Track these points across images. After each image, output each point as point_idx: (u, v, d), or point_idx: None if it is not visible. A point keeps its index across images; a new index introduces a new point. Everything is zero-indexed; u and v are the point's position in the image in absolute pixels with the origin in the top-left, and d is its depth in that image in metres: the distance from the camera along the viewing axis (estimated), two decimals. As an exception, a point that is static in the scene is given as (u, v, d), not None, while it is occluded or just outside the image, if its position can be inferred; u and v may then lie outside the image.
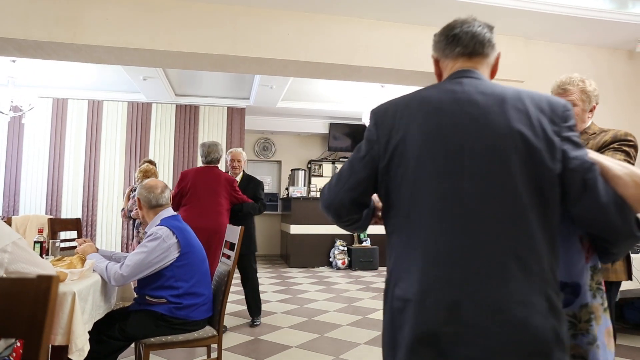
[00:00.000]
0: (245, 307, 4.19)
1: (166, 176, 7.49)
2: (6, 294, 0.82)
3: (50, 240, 2.64)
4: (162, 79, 6.43)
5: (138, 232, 4.35)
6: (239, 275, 4.22)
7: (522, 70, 4.24)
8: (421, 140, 1.06)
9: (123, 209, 4.57)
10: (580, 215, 1.06)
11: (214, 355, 2.86)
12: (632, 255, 3.10)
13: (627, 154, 1.81)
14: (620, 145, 1.84)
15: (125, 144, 7.46)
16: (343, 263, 7.48)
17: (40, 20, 3.53)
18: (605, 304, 1.21)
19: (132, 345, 2.59)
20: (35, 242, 2.47)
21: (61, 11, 3.57)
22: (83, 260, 2.22)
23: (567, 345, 1.00)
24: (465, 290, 0.97)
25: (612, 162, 1.09)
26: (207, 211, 3.73)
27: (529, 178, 1.01)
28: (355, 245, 7.66)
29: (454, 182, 1.03)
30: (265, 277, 6.51)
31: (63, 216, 7.10)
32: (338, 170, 1.22)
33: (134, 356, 2.81)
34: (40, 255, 2.43)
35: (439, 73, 1.24)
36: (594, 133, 1.95)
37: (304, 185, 8.67)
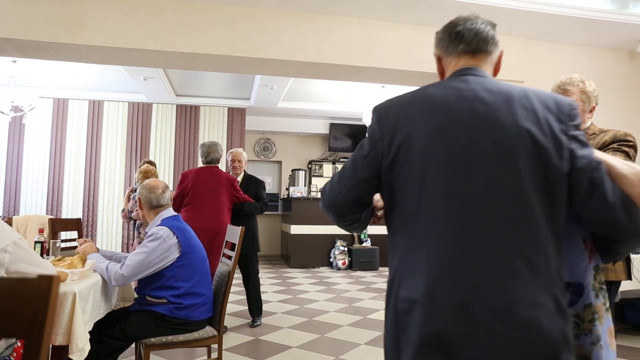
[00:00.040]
0: (246, 308, 4.19)
1: (166, 176, 7.49)
2: (7, 293, 0.82)
3: (51, 240, 2.64)
4: (162, 79, 6.43)
5: (139, 233, 4.35)
6: (240, 275, 4.22)
7: (522, 71, 4.24)
8: (428, 138, 1.05)
9: (123, 210, 4.57)
10: (587, 215, 1.06)
11: (214, 355, 2.86)
12: (632, 256, 3.11)
13: (627, 154, 1.82)
14: (619, 145, 1.84)
15: (126, 144, 7.46)
16: (343, 263, 7.48)
17: (40, 21, 3.53)
18: (608, 304, 1.21)
19: (133, 345, 2.59)
20: (35, 242, 2.47)
21: (62, 11, 3.58)
22: (84, 261, 2.22)
23: (573, 345, 1.00)
24: (474, 291, 0.96)
25: (618, 161, 1.09)
26: (209, 211, 3.73)
27: (536, 177, 1.00)
28: (356, 245, 7.66)
29: (461, 181, 1.01)
30: (266, 278, 6.51)
31: (64, 216, 7.10)
32: (340, 168, 1.19)
33: (134, 356, 2.81)
34: (41, 255, 2.43)
35: (441, 71, 1.23)
36: (594, 133, 1.95)
37: (305, 186, 8.68)
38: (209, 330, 2.39)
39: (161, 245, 2.23)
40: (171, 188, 3.22)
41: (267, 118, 8.90)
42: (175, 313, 2.26)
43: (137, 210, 3.55)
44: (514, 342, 0.93)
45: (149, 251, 2.21)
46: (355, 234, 7.62)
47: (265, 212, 4.71)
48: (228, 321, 4.06)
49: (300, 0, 3.78)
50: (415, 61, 4.11)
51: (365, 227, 1.28)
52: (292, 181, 8.88)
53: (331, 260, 7.62)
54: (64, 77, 6.63)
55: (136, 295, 2.44)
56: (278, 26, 3.92)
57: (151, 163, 4.70)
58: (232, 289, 4.93)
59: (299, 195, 7.89)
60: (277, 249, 9.09)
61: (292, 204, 7.71)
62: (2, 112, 5.81)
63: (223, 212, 3.80)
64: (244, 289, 4.18)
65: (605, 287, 1.23)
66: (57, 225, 3.82)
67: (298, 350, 3.36)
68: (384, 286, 6.06)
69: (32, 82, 6.72)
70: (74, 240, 3.54)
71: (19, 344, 1.71)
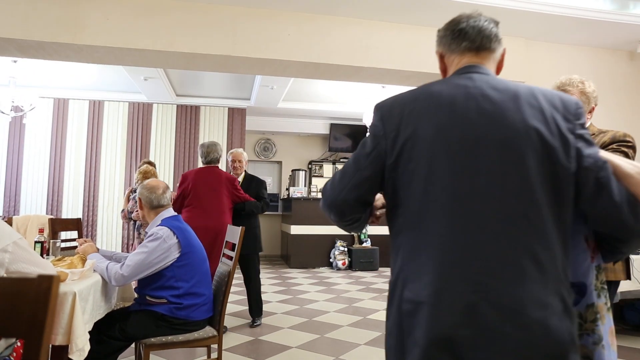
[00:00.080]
0: (246, 308, 4.19)
1: (167, 176, 7.49)
2: (7, 293, 0.82)
3: (51, 240, 2.64)
4: (162, 79, 6.43)
5: (139, 233, 4.35)
6: (240, 275, 4.21)
7: (522, 71, 4.24)
8: (434, 136, 1.02)
9: (123, 210, 4.57)
10: (593, 214, 1.05)
11: (214, 355, 2.86)
12: (632, 257, 3.11)
13: (626, 154, 1.82)
14: (618, 146, 1.85)
15: (126, 144, 7.47)
16: (343, 264, 7.48)
17: (41, 21, 3.54)
18: (609, 304, 1.21)
19: (133, 345, 2.59)
20: (35, 242, 2.47)
21: (62, 12, 3.58)
22: (84, 260, 2.22)
23: (578, 345, 0.99)
24: (481, 292, 0.94)
25: (623, 161, 1.09)
26: (210, 211, 3.73)
27: (544, 176, 0.99)
28: (356, 245, 7.66)
29: (468, 180, 0.99)
30: (266, 278, 6.51)
31: (64, 216, 7.11)
32: (341, 167, 1.16)
33: (134, 356, 2.81)
34: (41, 255, 2.43)
35: (443, 68, 1.21)
36: (593, 134, 1.95)
37: (305, 186, 8.68)
38: (208, 331, 2.39)
39: (161, 245, 2.23)
40: (171, 188, 3.21)
41: (267, 118, 8.91)
42: (175, 313, 2.26)
43: (137, 211, 3.54)
44: (522, 343, 0.92)
45: (149, 251, 2.21)
46: (355, 235, 7.62)
47: (266, 212, 4.70)
48: (228, 321, 4.06)
49: (300, 1, 3.79)
50: (415, 61, 4.11)
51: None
52: (292, 181, 8.89)
53: (331, 260, 7.62)
54: (64, 77, 6.64)
55: (136, 295, 2.44)
56: (278, 26, 3.93)
57: (150, 163, 4.71)
58: (232, 289, 4.93)
59: (299, 195, 7.89)
60: (277, 249, 9.09)
61: (292, 204, 7.71)
62: (2, 112, 5.81)
63: (224, 212, 3.80)
64: (243, 289, 4.19)
65: (606, 287, 1.23)
66: (57, 225, 3.82)
67: (298, 350, 3.36)
68: (384, 286, 6.08)
69: (33, 82, 6.72)
70: (74, 240, 3.55)
71: (18, 343, 1.71)
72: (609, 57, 4.62)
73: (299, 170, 8.88)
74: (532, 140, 1.00)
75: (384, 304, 4.87)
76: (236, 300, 4.99)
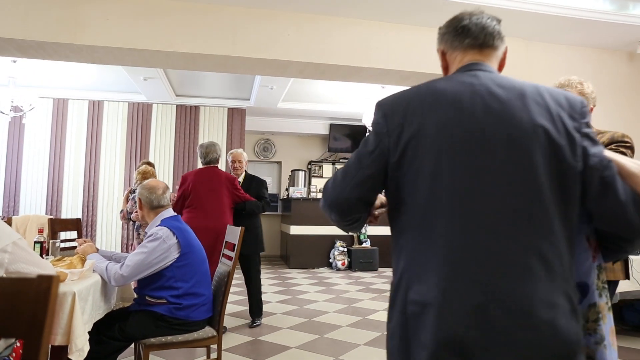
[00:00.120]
0: (245, 308, 4.19)
1: (166, 177, 7.49)
2: (6, 293, 0.82)
3: (51, 241, 2.64)
4: (162, 79, 6.43)
5: (139, 234, 4.35)
6: (239, 275, 4.21)
7: (521, 72, 4.24)
8: (439, 134, 1.01)
9: (122, 211, 4.57)
10: (598, 213, 1.04)
11: (213, 355, 2.86)
12: (631, 257, 3.11)
13: (624, 155, 1.83)
14: (617, 146, 1.86)
15: (126, 145, 7.46)
16: (343, 264, 7.48)
17: (41, 21, 3.54)
18: (610, 303, 1.21)
19: (132, 345, 2.59)
20: (35, 242, 2.47)
21: (62, 12, 3.58)
22: (83, 261, 2.22)
23: (584, 346, 0.99)
24: (490, 292, 0.92)
25: (627, 160, 1.09)
26: (211, 211, 3.73)
27: (551, 175, 0.98)
28: (355, 246, 7.66)
29: (475, 178, 0.98)
30: (265, 278, 6.50)
31: (63, 216, 7.10)
32: (342, 166, 1.14)
33: (133, 356, 2.81)
34: (41, 255, 2.43)
35: (445, 66, 1.20)
36: None
37: (304, 186, 8.68)
38: (208, 331, 2.39)
39: (161, 245, 2.23)
40: (170, 188, 3.21)
41: (267, 118, 8.91)
42: (175, 313, 2.26)
43: (136, 211, 3.54)
44: (531, 344, 0.90)
45: (148, 251, 2.21)
46: (354, 235, 7.62)
47: (265, 213, 4.70)
48: (227, 321, 4.06)
49: (300, 1, 3.79)
50: (414, 62, 4.12)
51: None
52: (292, 182, 8.89)
53: (331, 260, 7.62)
54: (64, 77, 6.64)
55: (135, 296, 2.44)
56: (278, 27, 3.93)
57: (149, 164, 4.71)
58: (232, 289, 4.93)
59: (298, 195, 7.89)
60: (276, 249, 9.09)
61: (292, 205, 7.71)
62: (2, 112, 5.81)
63: (225, 212, 3.79)
64: (243, 289, 4.18)
65: (607, 287, 1.24)
66: (57, 225, 3.82)
67: (297, 350, 3.36)
68: (384, 287, 6.08)
69: (32, 82, 6.72)
70: (73, 240, 3.55)
71: (18, 344, 1.71)
72: (609, 58, 4.62)
73: (298, 170, 8.88)
74: (539, 139, 0.99)
75: (384, 305, 4.88)
76: (236, 300, 4.99)
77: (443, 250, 0.97)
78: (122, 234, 7.32)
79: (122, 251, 7.18)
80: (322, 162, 9.64)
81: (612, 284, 2.08)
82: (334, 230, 7.29)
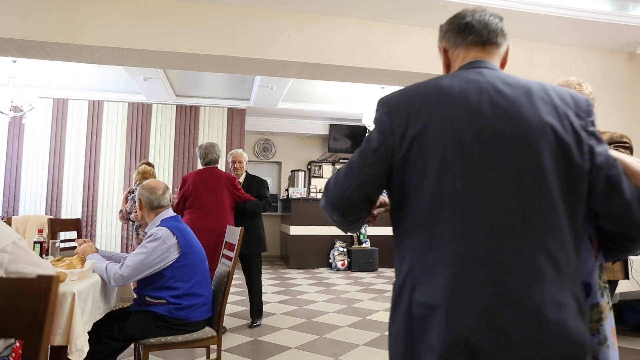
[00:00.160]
0: (245, 308, 4.18)
1: (166, 177, 7.49)
2: (6, 294, 0.82)
3: (50, 241, 2.64)
4: (162, 79, 6.43)
5: (138, 234, 4.35)
6: (239, 275, 4.21)
7: (521, 72, 4.20)
8: (446, 132, 0.98)
9: (121, 211, 4.57)
10: (604, 212, 1.03)
11: (213, 356, 2.86)
12: (631, 257, 3.11)
13: None
14: (616, 147, 1.87)
15: (126, 145, 7.47)
16: (343, 264, 7.48)
17: (41, 21, 3.54)
18: (610, 303, 1.21)
19: (132, 345, 2.59)
20: (35, 243, 2.47)
21: (62, 12, 3.58)
22: (83, 261, 2.22)
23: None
24: (499, 293, 0.90)
25: (631, 159, 1.09)
26: (212, 212, 3.73)
27: (559, 173, 0.97)
28: (355, 246, 7.66)
29: (484, 176, 0.96)
30: (265, 278, 6.50)
31: (63, 216, 7.10)
32: (344, 165, 1.11)
33: (133, 357, 2.81)
34: (40, 255, 2.43)
35: (447, 63, 1.19)
36: None
37: (304, 187, 8.68)
38: (208, 331, 2.39)
39: (161, 245, 2.23)
40: (170, 188, 3.21)
41: (266, 119, 8.91)
42: (175, 313, 2.26)
43: (135, 211, 3.54)
44: (542, 346, 0.89)
45: (148, 252, 2.21)
46: (354, 235, 7.62)
47: (265, 213, 4.70)
48: (227, 322, 4.06)
49: (300, 1, 3.79)
50: (414, 62, 4.12)
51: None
52: (292, 182, 8.89)
53: (330, 261, 7.62)
54: (63, 77, 6.64)
55: (135, 296, 2.44)
56: (278, 27, 3.93)
57: (149, 164, 4.71)
58: (232, 289, 4.93)
59: (298, 196, 7.89)
60: (276, 249, 9.09)
61: (292, 205, 7.71)
62: (1, 112, 5.81)
63: (226, 213, 3.79)
64: (243, 289, 4.18)
65: (608, 286, 1.24)
66: (57, 225, 3.82)
67: (297, 351, 3.36)
68: (383, 287, 6.08)
69: (32, 82, 6.72)
70: (73, 240, 3.54)
71: (17, 344, 1.71)
72: (608, 59, 4.62)
73: (298, 170, 8.88)
74: (548, 137, 0.97)
75: (383, 305, 4.88)
76: (236, 300, 4.99)
77: (450, 250, 0.95)
78: (122, 234, 7.32)
79: (121, 251, 7.18)
80: (321, 162, 9.64)
81: (612, 284, 2.09)
82: (333, 230, 7.29)
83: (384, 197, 1.19)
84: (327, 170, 9.59)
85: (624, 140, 1.90)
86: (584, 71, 4.43)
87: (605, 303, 1.19)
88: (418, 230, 1.00)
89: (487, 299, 0.90)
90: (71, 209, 7.23)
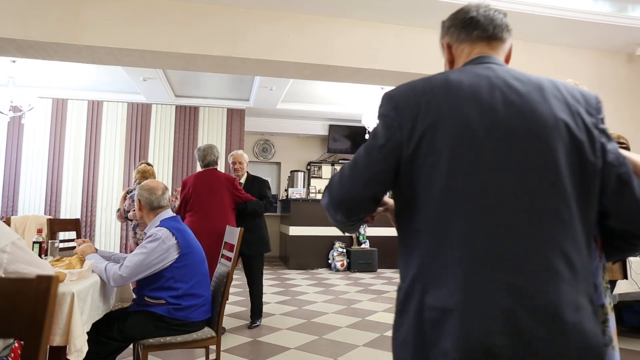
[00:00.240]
0: (244, 309, 4.18)
1: (165, 177, 7.49)
2: (6, 294, 0.82)
3: (49, 241, 2.64)
4: (162, 79, 6.43)
5: (135, 233, 4.34)
6: (238, 276, 4.20)
7: (521, 73, 4.25)
8: (457, 128, 0.95)
9: (119, 210, 4.56)
10: (615, 211, 1.02)
11: (212, 356, 2.85)
12: (631, 258, 3.11)
13: None
14: None
15: (125, 145, 7.46)
16: (342, 265, 7.48)
17: (41, 21, 3.54)
18: (612, 304, 1.21)
19: (131, 346, 2.58)
20: (34, 243, 2.47)
21: (62, 12, 3.58)
22: (82, 261, 2.22)
23: None
24: (516, 295, 0.87)
25: (638, 157, 1.09)
26: (213, 213, 3.72)
27: (573, 171, 0.95)
28: (354, 247, 7.66)
29: (498, 174, 0.93)
30: (264, 279, 6.47)
31: (62, 216, 7.10)
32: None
33: (132, 357, 2.81)
34: (39, 255, 2.43)
35: (451, 59, 1.16)
36: None
37: (303, 187, 8.68)
38: (207, 331, 2.39)
39: (160, 246, 2.23)
40: (170, 189, 3.22)
41: (266, 119, 8.91)
42: (174, 314, 2.26)
43: (134, 210, 3.54)
44: (560, 348, 0.86)
45: (148, 252, 2.21)
46: (354, 236, 7.62)
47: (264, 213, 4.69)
48: (226, 322, 4.05)
49: (300, 2, 3.79)
50: (414, 63, 4.12)
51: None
52: (291, 182, 8.89)
53: (330, 261, 7.62)
54: (63, 77, 6.63)
55: (134, 296, 2.44)
56: (278, 28, 3.93)
57: (148, 164, 4.70)
58: (231, 290, 4.93)
59: (297, 196, 7.89)
60: (275, 250, 9.08)
61: (291, 205, 7.71)
62: (1, 112, 5.80)
63: (227, 213, 3.78)
64: (242, 290, 4.18)
65: (609, 287, 1.23)
66: (56, 225, 3.82)
67: (296, 351, 3.35)
68: (383, 288, 6.08)
69: (32, 82, 6.72)
70: (72, 240, 3.54)
71: (16, 344, 1.71)
72: (607, 60, 4.63)
73: (297, 171, 8.88)
74: (562, 134, 0.95)
75: (383, 306, 4.88)
76: (235, 301, 4.99)
77: (463, 251, 0.91)
78: (121, 234, 7.31)
79: (120, 252, 7.17)
80: (321, 163, 9.64)
81: (611, 285, 2.10)
82: (333, 231, 7.29)
83: (385, 197, 1.17)
84: (327, 171, 9.59)
85: (621, 141, 1.91)
86: (582, 72, 4.44)
87: (608, 304, 1.19)
88: (427, 230, 0.96)
89: (503, 302, 0.87)
90: (70, 209, 7.23)
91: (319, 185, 8.99)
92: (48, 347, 1.82)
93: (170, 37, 3.75)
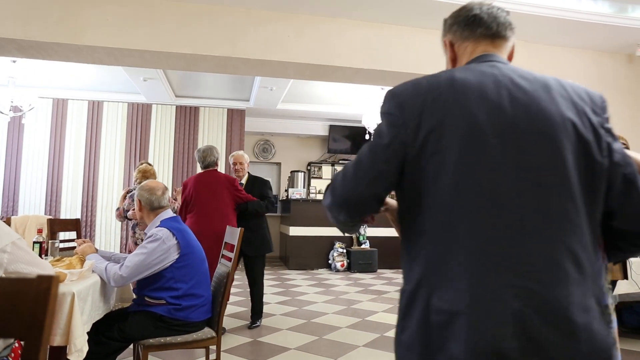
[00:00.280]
0: (244, 309, 4.18)
1: (165, 177, 7.49)
2: (6, 294, 0.82)
3: (50, 241, 2.64)
4: (162, 80, 6.43)
5: (134, 232, 4.34)
6: (238, 276, 4.20)
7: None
8: (464, 127, 0.93)
9: (118, 209, 4.56)
10: (621, 211, 1.00)
11: (212, 356, 2.85)
12: (631, 259, 3.11)
13: None
14: None
15: (125, 145, 7.46)
16: (342, 265, 7.48)
17: (41, 21, 3.54)
18: (613, 304, 1.21)
19: (131, 346, 2.58)
20: (34, 243, 2.47)
21: (62, 12, 3.58)
22: (82, 261, 2.22)
23: None
24: (525, 297, 0.86)
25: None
26: (213, 214, 3.72)
27: (580, 171, 0.94)
28: (355, 247, 7.66)
29: (506, 173, 0.91)
30: (265, 279, 6.49)
31: (62, 216, 7.10)
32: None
33: (132, 357, 2.81)
34: (40, 255, 2.43)
35: (453, 57, 1.14)
36: None
37: (304, 187, 8.68)
38: (207, 332, 2.39)
39: (160, 246, 2.23)
40: (170, 189, 3.22)
41: (266, 119, 8.91)
42: (174, 314, 2.26)
43: (133, 209, 3.54)
44: (570, 351, 0.85)
45: (148, 252, 2.21)
46: (354, 236, 7.62)
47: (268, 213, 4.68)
48: (227, 322, 4.05)
49: (300, 2, 3.79)
50: (414, 64, 4.13)
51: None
52: (291, 183, 8.89)
53: (330, 262, 7.61)
54: (63, 78, 6.63)
55: (134, 296, 2.44)
56: (278, 28, 3.93)
57: (149, 164, 4.70)
58: (232, 290, 4.92)
59: (298, 196, 7.89)
60: (275, 250, 9.04)
61: (291, 206, 7.71)
62: (1, 112, 5.80)
63: (228, 214, 3.78)
64: (243, 290, 4.18)
65: (611, 287, 1.23)
66: (56, 225, 3.82)
67: (296, 352, 3.35)
68: (383, 288, 6.08)
69: (32, 82, 6.72)
70: (72, 240, 3.54)
71: (16, 344, 1.71)
72: (607, 60, 4.63)
73: (298, 171, 8.88)
74: (569, 133, 0.94)
75: (383, 306, 4.88)
76: (235, 301, 4.98)
77: (470, 251, 0.89)
78: (121, 234, 7.31)
79: (121, 252, 7.17)
80: (321, 163, 9.64)
81: (612, 285, 2.09)
82: (333, 231, 7.29)
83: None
84: (327, 171, 9.59)
85: (621, 141, 1.90)
86: (582, 73, 4.44)
87: (610, 304, 1.19)
88: (433, 230, 0.94)
89: (513, 304, 0.86)
90: (70, 209, 7.23)
91: (319, 185, 8.98)
92: (48, 347, 1.82)
93: (170, 37, 3.75)
